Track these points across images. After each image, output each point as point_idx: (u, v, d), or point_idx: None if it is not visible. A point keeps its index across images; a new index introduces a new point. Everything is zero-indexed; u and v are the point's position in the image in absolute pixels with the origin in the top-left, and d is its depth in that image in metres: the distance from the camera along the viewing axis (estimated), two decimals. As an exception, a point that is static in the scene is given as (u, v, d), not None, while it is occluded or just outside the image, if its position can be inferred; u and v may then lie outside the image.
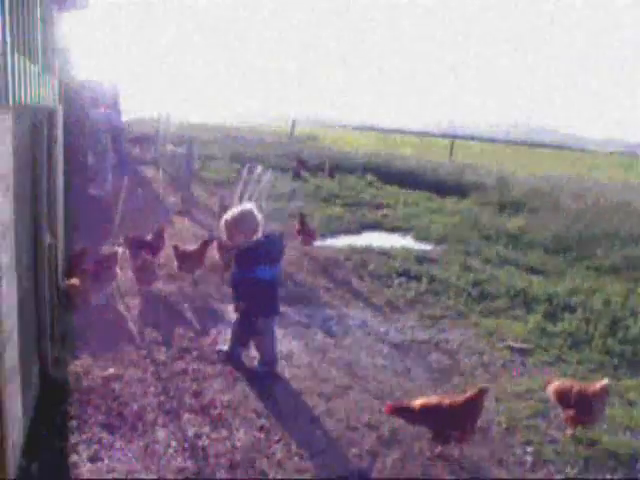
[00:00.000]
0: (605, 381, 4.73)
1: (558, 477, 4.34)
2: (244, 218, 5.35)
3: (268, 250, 5.39)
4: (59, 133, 6.43)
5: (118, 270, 7.35)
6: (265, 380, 5.38)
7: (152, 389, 4.98)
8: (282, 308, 7.39)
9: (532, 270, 10.36)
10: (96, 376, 5.08)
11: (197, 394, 4.97)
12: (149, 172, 18.91)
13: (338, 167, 21.25)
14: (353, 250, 10.63)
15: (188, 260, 7.94)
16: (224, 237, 5.60)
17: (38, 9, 4.15)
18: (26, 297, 4.10)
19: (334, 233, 12.53)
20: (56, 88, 5.66)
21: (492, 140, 55.98)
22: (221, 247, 8.28)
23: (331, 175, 19.63)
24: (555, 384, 5.00)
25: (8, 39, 2.79)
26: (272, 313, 5.65)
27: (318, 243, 11.38)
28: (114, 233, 9.31)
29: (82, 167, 15.80)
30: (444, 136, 47.83)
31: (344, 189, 18.05)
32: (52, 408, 4.52)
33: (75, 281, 6.30)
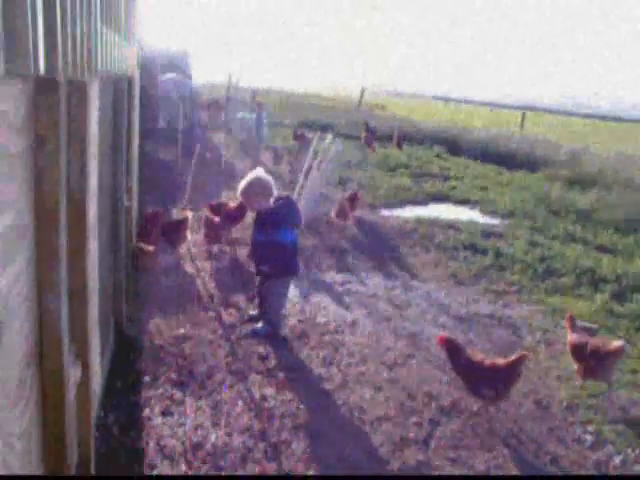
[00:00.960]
0: (620, 343, 4.94)
1: (617, 458, 4.32)
2: (261, 183, 5.41)
3: (288, 213, 5.48)
4: (136, 100, 6.63)
5: (189, 234, 7.57)
6: (274, 339, 5.51)
7: (220, 351, 5.17)
8: (348, 277, 7.55)
9: (601, 249, 10.13)
10: (167, 336, 5.30)
11: (263, 357, 5.14)
12: (218, 137, 19.15)
13: (406, 137, 21.07)
14: (420, 221, 10.61)
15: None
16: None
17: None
18: (105, 257, 4.30)
19: (401, 203, 12.50)
20: (135, 56, 5.83)
21: (567, 113, 54.00)
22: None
23: (399, 145, 19.50)
24: (573, 337, 5.19)
25: (97, 10, 2.91)
26: (293, 274, 5.74)
27: (385, 213, 11.43)
28: (184, 197, 9.54)
29: (153, 132, 16.20)
30: (516, 107, 46.54)
31: (412, 159, 17.94)
32: (126, 364, 4.75)
33: (149, 245, 6.53)
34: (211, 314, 5.91)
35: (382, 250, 8.88)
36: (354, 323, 6.06)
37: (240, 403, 4.40)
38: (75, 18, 2.60)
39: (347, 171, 14.42)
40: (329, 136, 9.47)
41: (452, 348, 4.63)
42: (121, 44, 4.16)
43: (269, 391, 4.61)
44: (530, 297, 7.46)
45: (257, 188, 5.39)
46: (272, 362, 5.06)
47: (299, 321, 5.97)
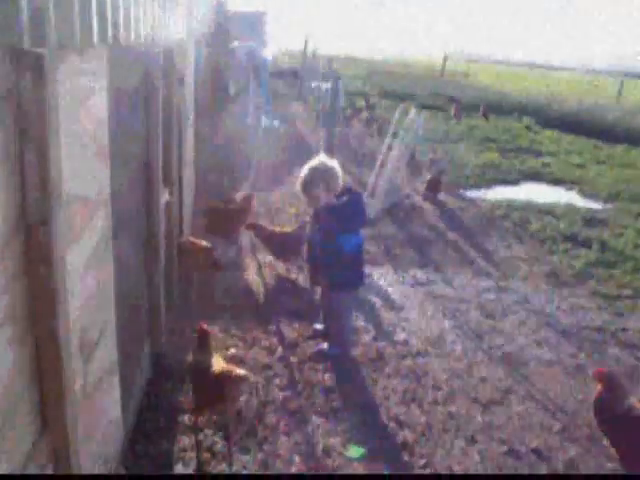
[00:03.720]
0: None
1: None
2: (324, 175, 4.33)
3: (356, 212, 4.42)
4: (188, 72, 5.76)
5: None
6: (342, 364, 4.57)
7: (277, 380, 4.27)
8: (431, 275, 6.56)
9: None
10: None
11: (328, 390, 4.22)
12: (293, 108, 18.27)
13: (492, 108, 19.56)
14: (511, 206, 9.46)
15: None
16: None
17: None
18: (135, 266, 3.50)
19: (489, 183, 11.32)
20: (185, 22, 4.92)
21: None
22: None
23: (485, 116, 18.09)
24: None
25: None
26: (358, 285, 4.72)
27: (472, 194, 10.32)
28: (249, 180, 8.70)
29: (224, 103, 15.42)
30: (611, 74, 43.54)
31: (499, 132, 16.57)
32: (162, 397, 3.93)
33: (201, 241, 5.69)
34: (270, 327, 5.04)
35: (469, 241, 7.83)
36: (440, 340, 5.07)
37: (297, 459, 3.49)
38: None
39: (430, 146, 13.25)
40: (412, 110, 8.39)
41: (611, 388, 3.51)
42: (153, 10, 3.26)
43: (334, 441, 3.68)
44: (648, 304, 6.29)
45: (319, 181, 4.31)
46: (339, 398, 4.12)
47: (374, 338, 5.01)
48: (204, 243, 5.61)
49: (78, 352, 2.33)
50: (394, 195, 8.82)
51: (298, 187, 4.43)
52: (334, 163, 4.41)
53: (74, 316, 2.16)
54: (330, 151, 12.76)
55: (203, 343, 3.63)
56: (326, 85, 17.47)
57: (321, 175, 4.32)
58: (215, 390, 3.35)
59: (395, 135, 8.65)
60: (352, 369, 4.51)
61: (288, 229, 6.33)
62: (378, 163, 8.55)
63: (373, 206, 8.18)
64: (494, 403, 4.23)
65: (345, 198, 4.37)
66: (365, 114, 15.77)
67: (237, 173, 9.89)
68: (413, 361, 4.69)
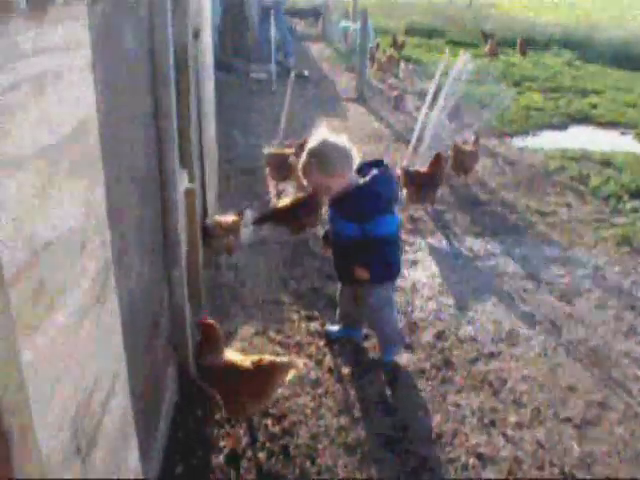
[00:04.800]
0: None
1: None
2: (341, 152, 3.48)
3: (390, 189, 3.60)
4: (205, 23, 4.89)
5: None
6: (401, 374, 3.84)
7: (329, 402, 3.53)
8: (489, 245, 5.80)
9: None
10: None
11: (387, 410, 3.49)
12: (316, 50, 17.22)
13: (528, 42, 18.25)
14: (565, 156, 8.55)
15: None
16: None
17: None
18: (148, 277, 2.77)
19: (535, 128, 10.39)
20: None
21: None
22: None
23: (523, 52, 16.86)
24: None
25: None
26: (397, 275, 3.90)
27: (519, 142, 9.42)
28: (281, 128, 7.86)
29: (242, 47, 14.44)
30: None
31: (539, 70, 15.42)
32: (191, 429, 3.24)
33: (229, 219, 4.95)
34: (314, 326, 4.30)
35: (524, 200, 6.99)
36: (512, 335, 4.30)
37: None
38: None
39: (469, 89, 12.24)
40: (463, 56, 7.42)
41: None
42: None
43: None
44: None
45: (336, 161, 3.45)
46: (404, 426, 3.36)
47: (437, 336, 4.25)
48: (232, 219, 4.90)
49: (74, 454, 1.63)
50: (440, 149, 7.95)
51: (302, 174, 3.61)
52: (337, 139, 3.53)
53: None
54: (361, 97, 11.89)
55: (211, 340, 3.04)
56: (353, 24, 16.41)
57: (317, 159, 3.47)
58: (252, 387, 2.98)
59: (438, 83, 7.70)
60: (415, 380, 3.77)
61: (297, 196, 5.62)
62: (422, 115, 7.66)
63: (416, 163, 7.35)
64: (589, 423, 3.46)
65: (374, 174, 3.52)
66: (395, 54, 14.69)
67: (263, 127, 9.09)
68: (486, 366, 3.92)
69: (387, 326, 3.92)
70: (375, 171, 3.54)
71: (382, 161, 3.68)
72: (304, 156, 3.52)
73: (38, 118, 1.35)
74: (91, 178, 1.78)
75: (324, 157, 3.44)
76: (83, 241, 1.70)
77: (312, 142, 3.53)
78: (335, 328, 4.17)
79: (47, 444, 1.39)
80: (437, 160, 6.31)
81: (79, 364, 1.70)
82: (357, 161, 3.54)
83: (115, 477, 2.09)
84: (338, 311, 4.16)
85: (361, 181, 3.51)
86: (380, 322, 3.92)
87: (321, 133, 3.59)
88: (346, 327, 4.14)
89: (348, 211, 3.55)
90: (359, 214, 3.53)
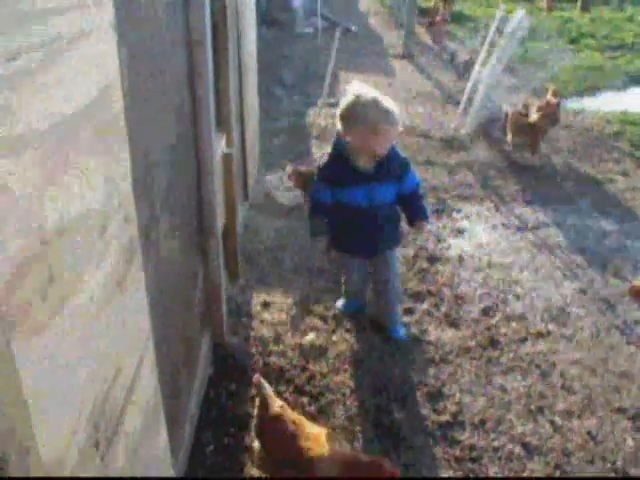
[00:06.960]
0: None
1: None
2: (390, 111, 3.17)
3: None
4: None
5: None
6: (450, 352, 3.64)
7: (366, 379, 3.42)
8: (540, 215, 5.54)
9: None
10: (289, 347, 3.58)
11: (434, 396, 3.31)
12: (363, 5, 16.74)
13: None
14: (624, 119, 8.12)
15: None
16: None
17: None
18: (182, 252, 2.62)
19: (592, 90, 9.92)
20: None
21: None
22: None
23: (585, 7, 16.00)
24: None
25: None
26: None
27: (575, 104, 8.99)
28: (326, 85, 7.60)
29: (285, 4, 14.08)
30: None
31: (598, 26, 14.71)
32: (220, 410, 3.15)
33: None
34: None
35: (579, 166, 6.66)
36: (563, 314, 4.06)
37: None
38: None
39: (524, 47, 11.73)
40: (519, 12, 7.00)
41: None
42: None
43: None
44: None
45: (384, 121, 3.15)
46: (444, 411, 3.17)
47: (483, 312, 4.04)
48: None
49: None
50: (491, 111, 7.62)
51: (349, 129, 3.29)
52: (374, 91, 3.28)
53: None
54: (409, 54, 11.50)
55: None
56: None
57: (388, 114, 3.17)
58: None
59: (492, 41, 7.33)
60: (459, 359, 3.60)
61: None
62: (474, 74, 7.32)
63: (467, 124, 7.06)
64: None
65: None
66: (444, 10, 14.14)
67: (309, 85, 8.84)
68: (534, 346, 3.71)
69: (398, 299, 3.80)
70: None
71: None
72: (358, 109, 3.21)
73: (51, 89, 1.19)
74: (114, 151, 1.62)
75: (387, 109, 3.18)
76: (103, 223, 1.55)
77: (357, 93, 3.27)
78: (341, 303, 4.01)
79: (62, 440, 1.26)
80: (550, 106, 6.76)
81: (99, 353, 1.57)
82: None
83: (142, 464, 1.98)
84: (346, 288, 3.96)
85: None
86: (396, 294, 3.76)
87: (361, 87, 3.36)
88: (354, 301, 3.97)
89: (394, 167, 3.36)
90: (403, 164, 3.40)
